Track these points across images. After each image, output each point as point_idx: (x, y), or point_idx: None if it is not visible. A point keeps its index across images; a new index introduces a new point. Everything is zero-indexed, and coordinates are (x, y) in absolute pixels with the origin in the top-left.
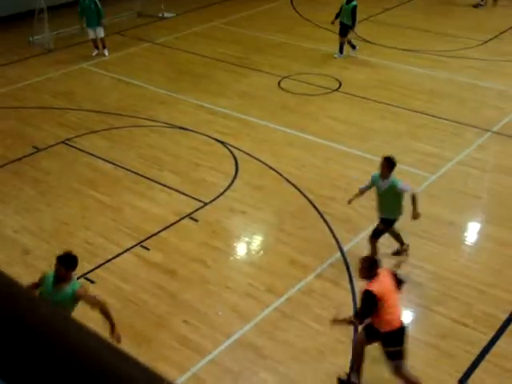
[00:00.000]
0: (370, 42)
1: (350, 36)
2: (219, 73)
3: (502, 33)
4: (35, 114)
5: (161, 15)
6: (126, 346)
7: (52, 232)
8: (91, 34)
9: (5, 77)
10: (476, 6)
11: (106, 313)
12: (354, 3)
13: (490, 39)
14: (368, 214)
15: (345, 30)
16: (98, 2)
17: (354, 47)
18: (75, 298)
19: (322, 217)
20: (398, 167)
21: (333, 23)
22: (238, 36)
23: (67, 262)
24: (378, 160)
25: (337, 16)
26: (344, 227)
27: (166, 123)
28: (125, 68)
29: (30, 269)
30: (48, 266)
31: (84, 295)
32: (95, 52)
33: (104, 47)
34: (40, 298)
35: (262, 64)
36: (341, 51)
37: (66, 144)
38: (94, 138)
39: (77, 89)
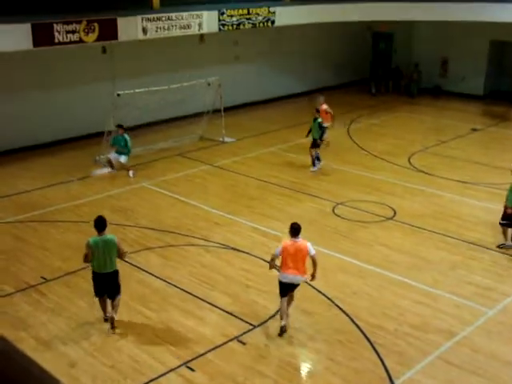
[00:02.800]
0: (426, 173)
1: (319, 150)
2: (274, 196)
3: None
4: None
5: (221, 139)
6: None
7: (98, 346)
8: (112, 157)
9: (68, 192)
10: None
11: None
12: (318, 120)
13: None
14: (421, 345)
15: (315, 144)
16: (128, 141)
17: (314, 165)
18: None
19: (372, 347)
20: (454, 299)
21: (307, 136)
22: (294, 161)
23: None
24: (433, 291)
25: (308, 133)
26: (395, 359)
27: (219, 244)
28: (183, 188)
29: (74, 382)
30: (91, 381)
31: None
32: (108, 170)
33: (128, 170)
34: None
35: (317, 189)
36: (314, 163)
37: (121, 259)
38: (149, 255)
39: (135, 206)
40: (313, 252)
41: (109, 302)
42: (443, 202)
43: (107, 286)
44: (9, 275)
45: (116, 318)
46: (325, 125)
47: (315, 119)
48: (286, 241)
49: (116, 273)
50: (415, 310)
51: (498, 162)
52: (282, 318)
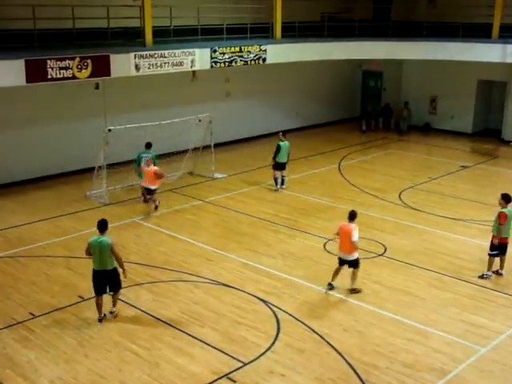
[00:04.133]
0: (416, 209)
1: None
2: (265, 232)
3: None
4: (84, 264)
5: (211, 175)
6: None
7: None
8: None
9: (59, 227)
10: None
11: None
12: (287, 144)
13: None
14: (411, 383)
15: (284, 166)
16: (154, 158)
17: (283, 183)
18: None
19: None
20: (445, 337)
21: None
22: (285, 198)
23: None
24: (425, 328)
25: (275, 157)
26: None
27: (210, 279)
28: (174, 224)
29: None
30: None
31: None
32: (142, 199)
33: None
34: None
35: (308, 226)
36: (283, 182)
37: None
38: (139, 291)
39: (126, 241)
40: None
41: (109, 298)
42: (434, 238)
43: (108, 282)
44: None
45: (115, 309)
46: (153, 187)
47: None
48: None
49: (115, 270)
50: (407, 348)
51: (487, 198)
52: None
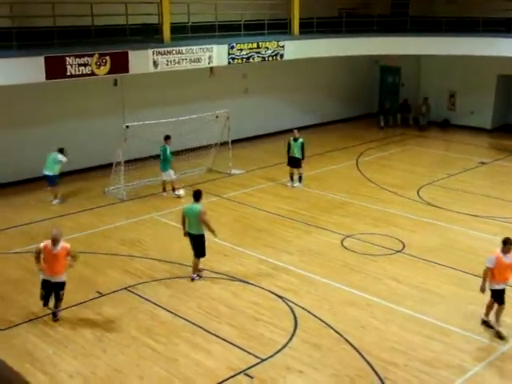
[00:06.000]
0: (435, 206)
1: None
2: (282, 228)
3: None
4: (102, 259)
5: (229, 172)
6: None
7: (105, 379)
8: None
9: (77, 223)
10: None
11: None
12: (301, 140)
13: None
14: (432, 382)
15: (297, 163)
16: (165, 151)
17: (300, 180)
18: None
19: (382, 382)
20: (465, 335)
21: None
22: (303, 194)
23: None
24: (443, 326)
25: (288, 153)
26: None
27: (228, 275)
28: None
29: None
30: None
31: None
32: (163, 194)
33: (173, 189)
34: None
35: (325, 222)
36: (300, 180)
37: (129, 291)
38: (157, 287)
39: (144, 237)
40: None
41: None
42: (453, 235)
43: (193, 246)
44: (16, 306)
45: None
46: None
47: (296, 139)
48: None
49: (202, 236)
50: (425, 345)
51: (506, 195)
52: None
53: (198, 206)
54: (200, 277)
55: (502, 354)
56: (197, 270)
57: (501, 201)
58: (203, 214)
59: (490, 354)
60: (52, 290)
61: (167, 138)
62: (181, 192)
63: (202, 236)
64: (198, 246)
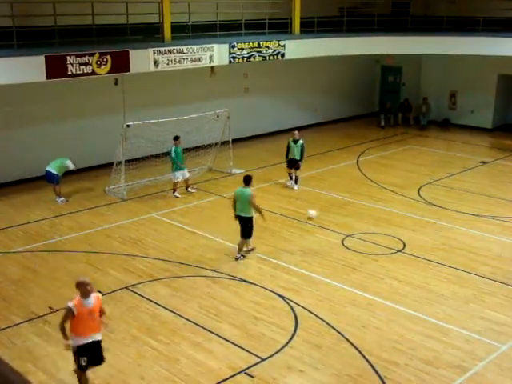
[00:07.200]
0: (436, 205)
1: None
2: (283, 228)
3: None
4: (102, 258)
5: (229, 171)
6: None
7: (106, 378)
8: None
9: (78, 222)
10: None
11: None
12: (301, 142)
13: None
14: (433, 381)
15: (296, 164)
16: (170, 152)
17: (296, 182)
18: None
19: (382, 382)
20: (466, 334)
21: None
22: (304, 194)
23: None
24: (444, 325)
25: (287, 155)
26: None
27: (228, 275)
28: (193, 219)
29: None
30: None
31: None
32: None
33: (187, 187)
34: None
35: (327, 221)
36: (296, 182)
37: (129, 290)
38: (157, 286)
39: (145, 236)
40: None
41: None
42: (454, 234)
43: (241, 227)
44: (17, 305)
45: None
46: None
47: (295, 141)
48: None
49: (250, 219)
50: (426, 345)
51: (507, 194)
52: None
53: (248, 190)
54: (244, 257)
55: (502, 354)
56: (241, 250)
57: (501, 200)
58: (253, 197)
59: (490, 353)
60: (92, 353)
61: (176, 138)
62: (176, 193)
63: (251, 219)
64: (245, 227)
